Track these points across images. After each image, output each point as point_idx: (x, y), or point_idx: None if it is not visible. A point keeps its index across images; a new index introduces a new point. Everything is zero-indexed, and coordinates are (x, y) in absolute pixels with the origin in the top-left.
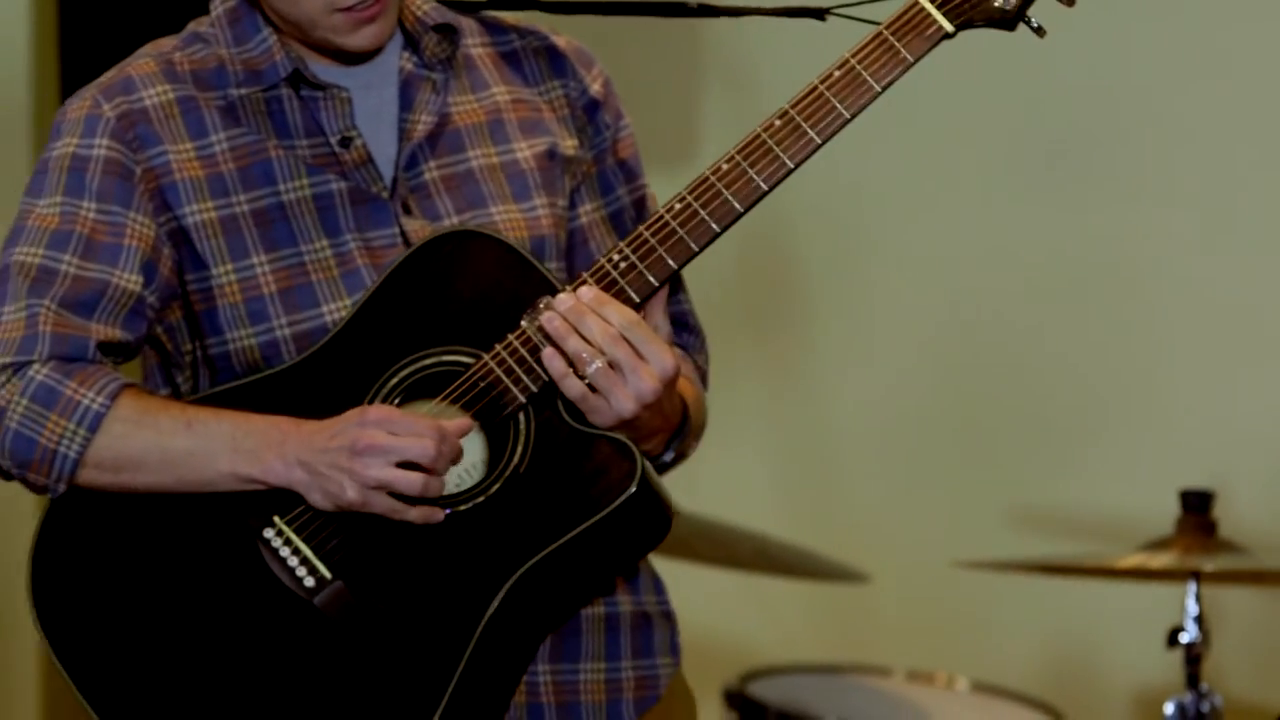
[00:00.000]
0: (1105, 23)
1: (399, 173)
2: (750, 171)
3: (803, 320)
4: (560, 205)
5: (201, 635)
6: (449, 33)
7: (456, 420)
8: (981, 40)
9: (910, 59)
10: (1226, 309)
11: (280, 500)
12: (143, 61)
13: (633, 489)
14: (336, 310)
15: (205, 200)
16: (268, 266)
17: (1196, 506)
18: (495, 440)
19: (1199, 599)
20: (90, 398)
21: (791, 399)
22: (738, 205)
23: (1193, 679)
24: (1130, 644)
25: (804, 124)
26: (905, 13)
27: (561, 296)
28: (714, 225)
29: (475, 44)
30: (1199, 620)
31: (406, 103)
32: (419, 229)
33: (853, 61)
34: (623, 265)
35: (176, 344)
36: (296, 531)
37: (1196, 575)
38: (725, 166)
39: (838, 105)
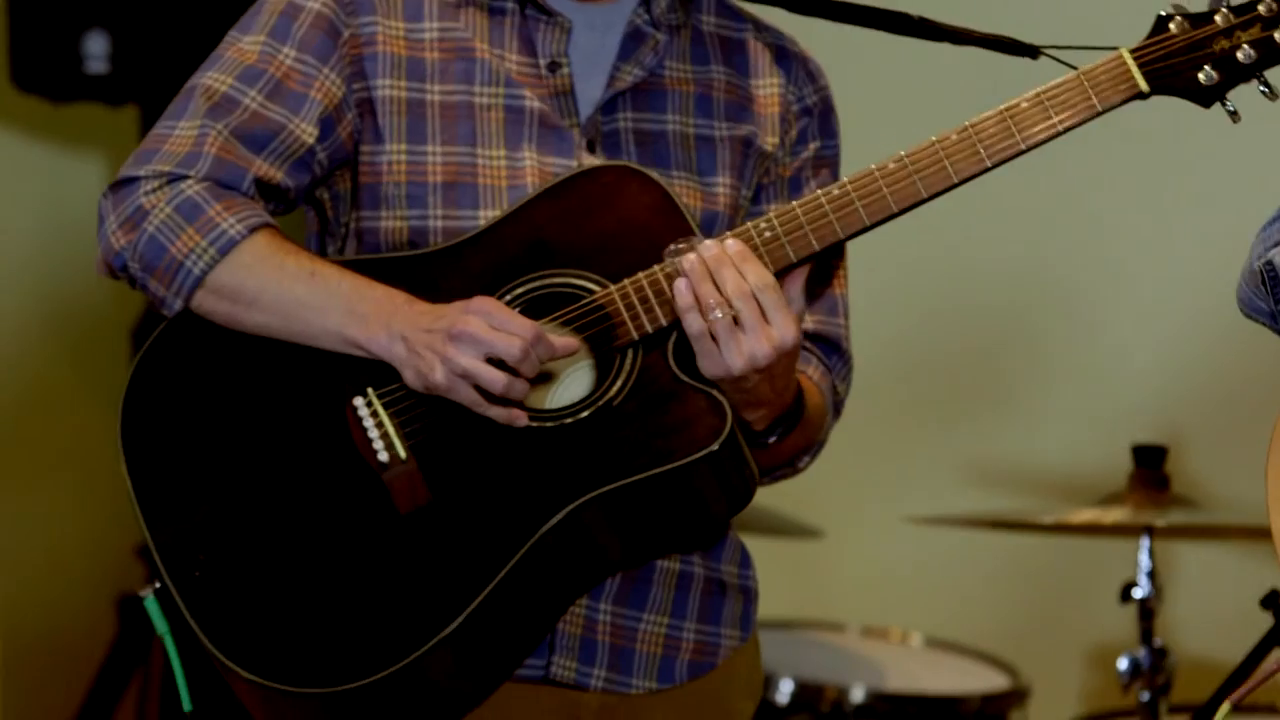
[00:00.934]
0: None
1: (596, 114)
2: (915, 177)
3: None
4: (744, 192)
5: (269, 487)
6: (686, 1)
7: (562, 338)
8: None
9: (1099, 108)
10: (1180, 262)
11: (379, 373)
12: None
13: (714, 447)
14: (493, 216)
15: (400, 79)
16: (440, 157)
17: (1149, 461)
18: (601, 370)
19: (1152, 554)
20: (230, 223)
21: None
22: (894, 205)
23: (1146, 634)
24: (1084, 599)
25: (979, 145)
26: (1106, 64)
27: (708, 242)
28: (865, 218)
29: (709, 22)
30: (1152, 575)
31: (625, 53)
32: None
33: (1043, 98)
34: (768, 234)
35: (338, 213)
36: (386, 407)
37: (1149, 530)
38: (893, 166)
39: (1017, 134)
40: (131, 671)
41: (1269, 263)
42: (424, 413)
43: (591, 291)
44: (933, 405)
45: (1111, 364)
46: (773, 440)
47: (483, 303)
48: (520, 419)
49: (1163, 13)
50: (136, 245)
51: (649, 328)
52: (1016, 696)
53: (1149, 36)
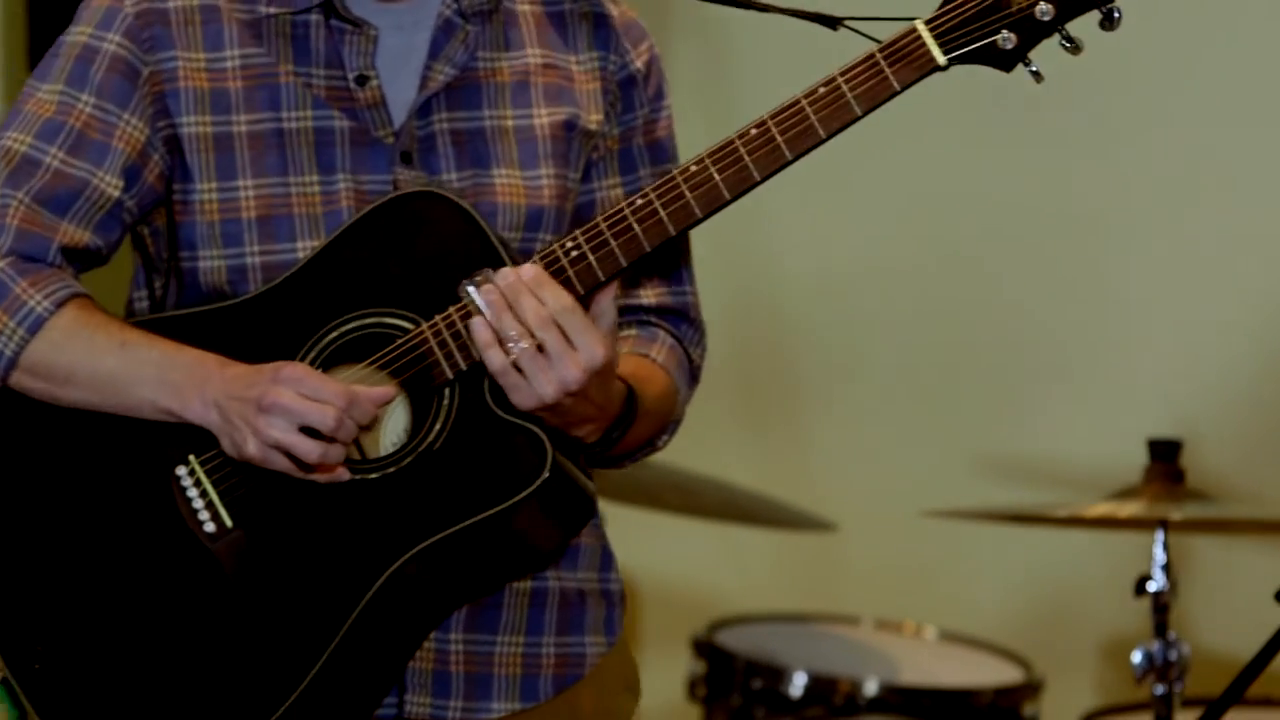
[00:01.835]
0: None
1: (410, 120)
2: (717, 178)
3: (770, 270)
4: (571, 178)
5: (101, 566)
6: None
7: (375, 389)
8: None
9: (897, 87)
10: (1195, 257)
11: (200, 439)
12: None
13: (534, 486)
14: (309, 248)
15: (205, 114)
16: (251, 191)
17: (1164, 455)
18: (419, 412)
19: (1166, 547)
20: (36, 300)
21: (758, 349)
22: (698, 210)
23: (1160, 627)
24: (1098, 593)
25: (779, 138)
26: (901, 38)
27: (503, 271)
28: (670, 227)
29: (524, 0)
30: (1166, 569)
31: (435, 50)
32: (411, 181)
33: (840, 81)
34: (574, 254)
35: (158, 249)
36: (208, 474)
37: (1164, 524)
38: (694, 169)
39: (816, 124)
40: None
41: None
42: (245, 477)
43: (405, 330)
44: (947, 399)
45: (1126, 358)
46: (610, 451)
47: (291, 370)
48: (341, 476)
49: None
50: None
51: (463, 364)
52: (1030, 689)
53: (944, 3)
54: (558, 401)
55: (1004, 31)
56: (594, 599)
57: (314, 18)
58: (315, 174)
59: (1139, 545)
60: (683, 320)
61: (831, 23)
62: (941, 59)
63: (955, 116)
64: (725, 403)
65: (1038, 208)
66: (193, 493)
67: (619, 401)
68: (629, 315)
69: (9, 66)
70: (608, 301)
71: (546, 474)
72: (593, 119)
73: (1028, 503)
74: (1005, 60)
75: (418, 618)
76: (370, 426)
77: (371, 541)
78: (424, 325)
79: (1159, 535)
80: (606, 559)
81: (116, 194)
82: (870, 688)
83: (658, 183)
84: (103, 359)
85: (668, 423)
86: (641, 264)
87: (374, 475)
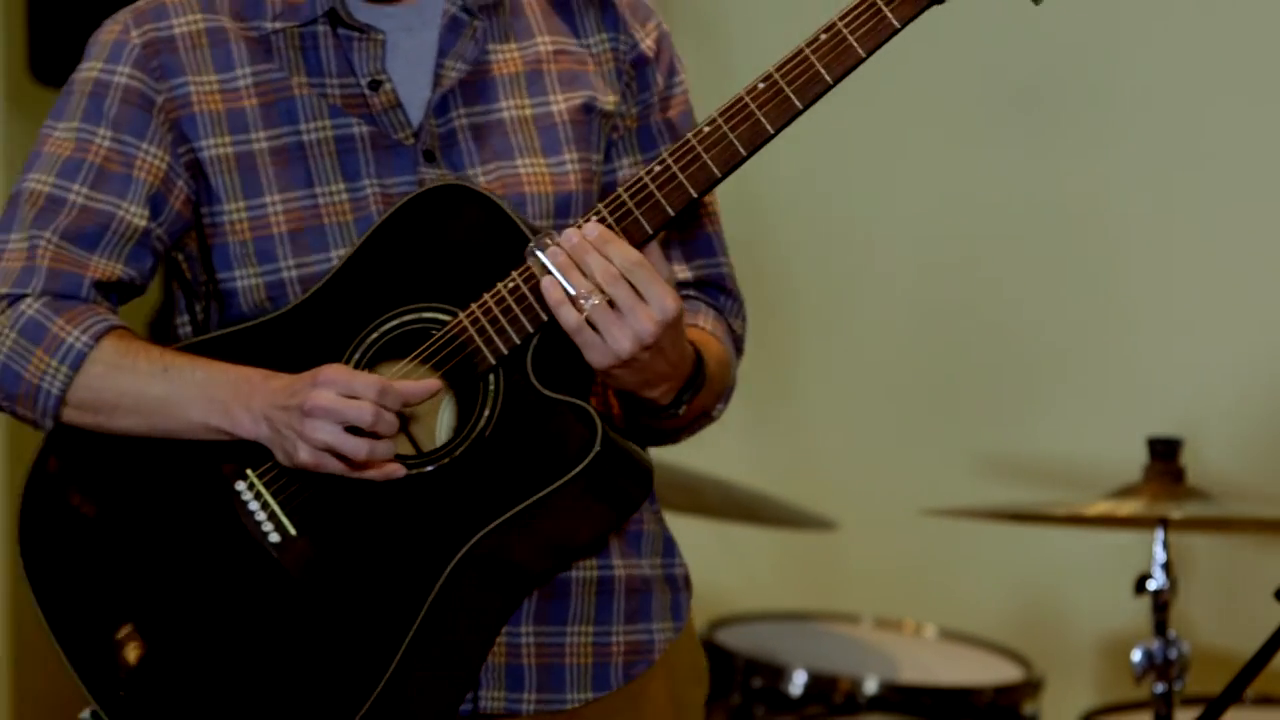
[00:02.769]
0: None
1: (428, 119)
2: (730, 135)
3: (772, 270)
4: (594, 160)
5: (171, 584)
6: None
7: (415, 382)
8: None
9: (897, 24)
10: (1194, 256)
11: (254, 453)
12: None
13: (587, 461)
14: (340, 259)
15: (223, 135)
16: (280, 206)
17: (1164, 454)
18: (467, 402)
19: (1166, 546)
20: (75, 336)
21: (760, 347)
22: (716, 170)
23: (1160, 626)
24: (1098, 591)
25: (787, 89)
26: None
27: (568, 232)
28: (691, 189)
29: None
30: (1166, 567)
31: (445, 47)
32: (437, 179)
33: (840, 25)
34: (620, 210)
35: (194, 274)
36: (266, 486)
37: (1164, 522)
38: (706, 130)
39: (821, 70)
40: None
41: None
42: (304, 485)
43: (444, 323)
44: (947, 397)
45: (1126, 357)
46: (682, 411)
47: (330, 372)
48: (396, 472)
49: None
50: None
51: (504, 349)
52: (1030, 688)
53: None
54: (634, 356)
55: None
56: (659, 585)
57: (321, 28)
58: (341, 182)
59: (1139, 544)
60: (720, 292)
61: None
62: None
63: (955, 117)
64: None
65: (1038, 207)
66: (254, 506)
67: (690, 362)
68: None
69: (9, 66)
70: (658, 254)
71: (598, 447)
72: (609, 100)
73: (1027, 501)
74: None
75: (489, 606)
76: (422, 421)
77: (434, 534)
78: (461, 315)
79: (1159, 534)
80: (669, 544)
81: (143, 224)
82: (870, 686)
83: (673, 146)
84: (149, 385)
85: (723, 390)
86: (671, 237)
87: (429, 469)
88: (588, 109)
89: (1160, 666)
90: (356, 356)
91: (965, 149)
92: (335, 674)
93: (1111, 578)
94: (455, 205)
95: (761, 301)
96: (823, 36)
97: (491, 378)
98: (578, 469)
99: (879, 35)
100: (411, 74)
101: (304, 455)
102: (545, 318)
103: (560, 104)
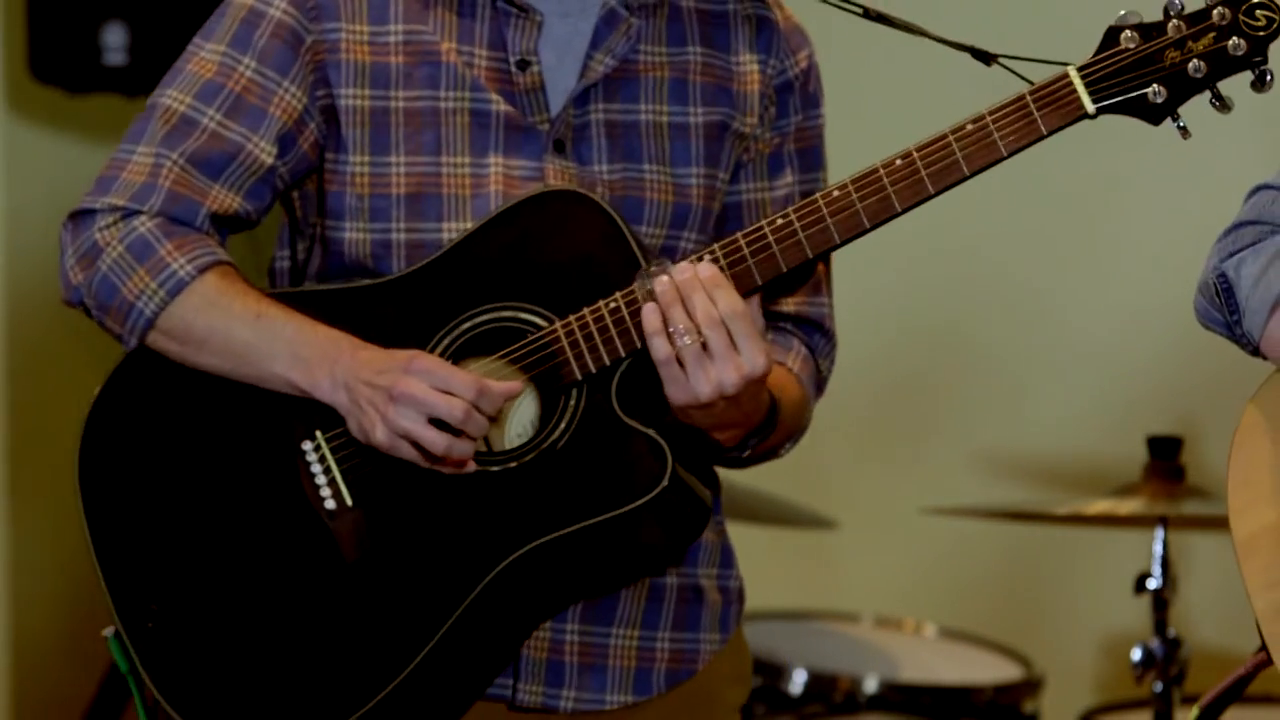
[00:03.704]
0: None
1: (567, 109)
2: (858, 205)
3: None
4: (720, 178)
5: (221, 532)
6: None
7: (504, 383)
8: None
9: (1044, 131)
10: (1195, 252)
11: (328, 416)
12: None
13: (653, 494)
14: (455, 229)
15: (364, 87)
16: (404, 168)
17: (1164, 452)
18: (545, 409)
19: (1166, 545)
20: (180, 264)
21: None
22: (836, 236)
23: (1160, 625)
24: (1098, 590)
25: (923, 171)
26: (1053, 83)
27: (682, 265)
28: (808, 249)
29: None
30: (1166, 566)
31: (598, 40)
32: (562, 170)
33: (988, 120)
34: (735, 256)
35: (305, 213)
36: (333, 451)
37: (1164, 521)
38: (836, 194)
39: (961, 161)
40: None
41: (1222, 274)
42: (370, 457)
43: (539, 327)
44: (946, 396)
45: (1126, 354)
46: (746, 454)
47: (424, 362)
48: (468, 466)
49: (1114, 24)
50: (91, 283)
51: (593, 367)
52: (1030, 687)
53: (1099, 51)
54: (711, 402)
55: (1155, 85)
56: (711, 595)
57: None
58: (467, 155)
59: (1139, 542)
60: (816, 330)
61: (986, 58)
62: (1091, 107)
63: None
64: None
65: (1037, 204)
66: (316, 468)
67: (764, 411)
68: (766, 319)
69: (9, 66)
70: (757, 307)
71: (666, 483)
72: (748, 121)
73: (1027, 500)
74: (1154, 113)
75: (527, 612)
76: (500, 417)
77: (487, 534)
78: (557, 324)
79: (1159, 532)
80: (726, 556)
81: (270, 160)
82: (870, 685)
83: (800, 205)
84: (238, 329)
85: (795, 431)
86: (778, 280)
87: (495, 468)
88: (723, 126)
89: (1160, 665)
90: (445, 343)
91: None
92: (364, 649)
93: (1111, 576)
94: (576, 213)
95: None
96: (969, 126)
97: (574, 392)
98: (641, 501)
99: (1024, 138)
100: (560, 60)
101: (380, 435)
102: (639, 344)
103: (698, 117)
